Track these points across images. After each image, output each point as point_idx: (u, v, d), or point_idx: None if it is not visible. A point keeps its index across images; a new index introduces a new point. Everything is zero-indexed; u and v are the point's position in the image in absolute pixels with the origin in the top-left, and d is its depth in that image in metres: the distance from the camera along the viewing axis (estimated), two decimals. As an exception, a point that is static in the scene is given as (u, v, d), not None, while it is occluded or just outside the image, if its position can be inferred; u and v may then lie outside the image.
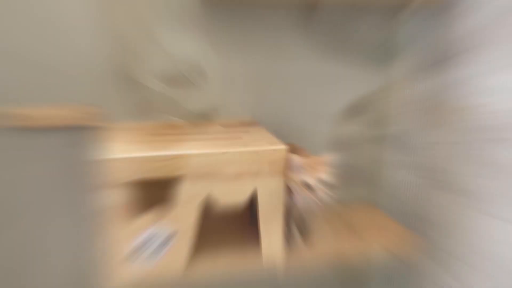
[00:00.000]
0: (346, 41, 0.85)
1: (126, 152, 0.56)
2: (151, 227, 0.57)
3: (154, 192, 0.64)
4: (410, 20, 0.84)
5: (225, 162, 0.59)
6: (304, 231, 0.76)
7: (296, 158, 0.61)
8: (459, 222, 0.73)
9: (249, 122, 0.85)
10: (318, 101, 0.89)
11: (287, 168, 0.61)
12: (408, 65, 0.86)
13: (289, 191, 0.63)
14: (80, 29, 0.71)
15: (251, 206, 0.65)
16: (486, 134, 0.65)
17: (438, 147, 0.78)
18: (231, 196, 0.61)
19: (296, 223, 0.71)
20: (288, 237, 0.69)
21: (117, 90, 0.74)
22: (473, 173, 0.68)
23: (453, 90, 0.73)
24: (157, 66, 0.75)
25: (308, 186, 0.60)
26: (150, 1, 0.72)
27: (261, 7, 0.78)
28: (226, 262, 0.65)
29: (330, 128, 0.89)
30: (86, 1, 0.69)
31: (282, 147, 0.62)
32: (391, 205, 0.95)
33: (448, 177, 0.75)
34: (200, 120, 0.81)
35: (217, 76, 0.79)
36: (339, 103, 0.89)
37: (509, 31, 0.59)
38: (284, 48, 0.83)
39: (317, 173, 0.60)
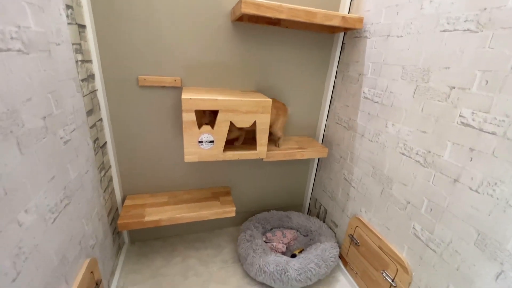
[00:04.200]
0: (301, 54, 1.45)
1: (195, 96, 1.13)
2: (206, 133, 1.18)
3: (207, 117, 1.23)
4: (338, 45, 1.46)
5: (241, 105, 1.20)
6: (276, 141, 1.45)
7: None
8: (349, 142, 1.47)
9: (254, 90, 1.45)
10: (288, 80, 1.51)
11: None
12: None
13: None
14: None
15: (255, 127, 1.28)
16: (367, 101, 1.34)
17: (346, 108, 1.48)
18: (244, 122, 1.23)
19: (272, 137, 1.39)
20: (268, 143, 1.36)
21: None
22: (359, 119, 1.39)
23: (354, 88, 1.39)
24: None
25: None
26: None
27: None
28: (240, 152, 1.30)
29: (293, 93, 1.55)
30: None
31: (269, 99, 1.23)
32: (320, 137, 1.69)
33: (350, 123, 1.46)
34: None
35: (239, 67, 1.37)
36: (298, 82, 1.53)
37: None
38: (274, 51, 1.41)
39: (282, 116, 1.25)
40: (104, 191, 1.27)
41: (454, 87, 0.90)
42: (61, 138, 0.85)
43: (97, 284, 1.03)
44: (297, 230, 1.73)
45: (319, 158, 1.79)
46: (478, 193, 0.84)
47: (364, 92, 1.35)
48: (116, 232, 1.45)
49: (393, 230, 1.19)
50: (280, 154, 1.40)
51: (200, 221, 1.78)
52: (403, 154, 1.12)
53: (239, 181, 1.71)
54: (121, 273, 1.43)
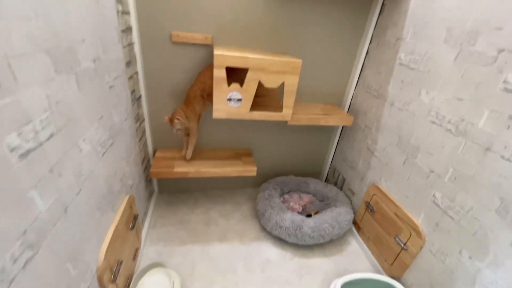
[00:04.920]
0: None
1: (227, 53, 1.15)
2: (234, 91, 1.22)
3: (237, 74, 1.27)
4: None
5: (271, 64, 1.20)
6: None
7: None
8: (377, 111, 1.44)
9: (283, 53, 1.43)
10: (319, 45, 1.46)
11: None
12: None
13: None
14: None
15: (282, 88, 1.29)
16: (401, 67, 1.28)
17: (379, 76, 1.43)
18: (272, 82, 1.24)
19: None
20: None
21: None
22: (390, 87, 1.35)
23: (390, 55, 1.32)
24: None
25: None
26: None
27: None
28: (266, 113, 1.33)
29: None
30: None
31: (299, 60, 1.22)
32: (346, 106, 1.68)
33: (376, 90, 1.42)
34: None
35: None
36: (330, 47, 1.48)
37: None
38: (308, 12, 1.35)
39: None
40: (139, 141, 1.38)
41: (503, 50, 0.84)
42: (107, 82, 0.93)
43: (134, 217, 1.18)
44: (314, 195, 1.80)
45: (342, 128, 1.78)
46: (510, 161, 0.82)
47: (400, 58, 1.29)
48: (148, 180, 1.60)
49: (411, 198, 1.21)
50: (304, 118, 1.42)
51: (222, 179, 1.90)
52: (433, 122, 1.09)
53: (261, 145, 1.77)
54: (152, 215, 1.61)
